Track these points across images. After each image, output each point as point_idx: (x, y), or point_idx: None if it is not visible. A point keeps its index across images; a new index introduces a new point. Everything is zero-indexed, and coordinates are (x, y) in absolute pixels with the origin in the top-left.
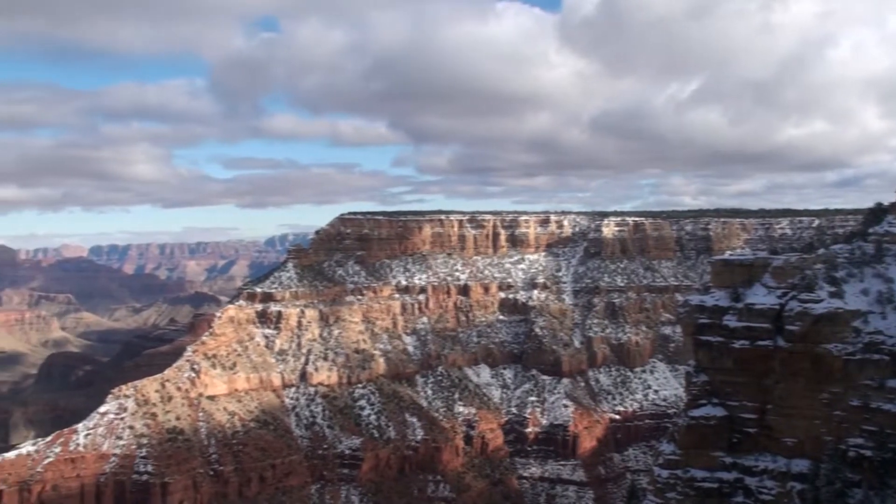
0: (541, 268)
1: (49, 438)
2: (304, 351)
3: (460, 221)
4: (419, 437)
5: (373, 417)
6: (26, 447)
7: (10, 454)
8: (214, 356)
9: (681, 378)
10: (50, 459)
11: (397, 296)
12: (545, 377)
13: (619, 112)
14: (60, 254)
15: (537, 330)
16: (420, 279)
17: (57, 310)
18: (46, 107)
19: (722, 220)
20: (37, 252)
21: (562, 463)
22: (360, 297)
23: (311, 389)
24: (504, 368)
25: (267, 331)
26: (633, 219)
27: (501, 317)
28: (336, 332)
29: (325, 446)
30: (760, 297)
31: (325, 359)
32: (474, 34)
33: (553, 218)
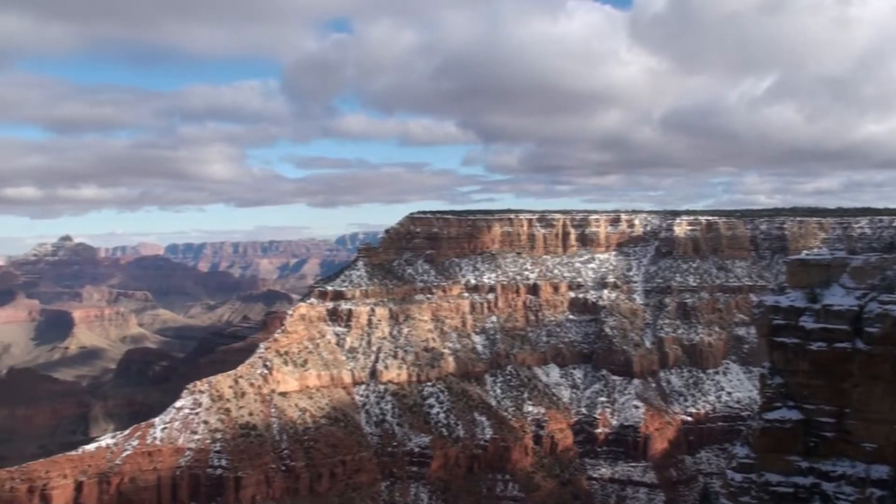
0: (611, 267)
1: (127, 432)
2: (374, 349)
3: (530, 220)
4: (488, 436)
5: (442, 416)
6: (105, 440)
7: (91, 446)
8: (286, 353)
9: (755, 380)
10: (128, 452)
11: (466, 294)
12: (615, 377)
13: (691, 109)
14: (138, 252)
15: (607, 330)
16: (489, 278)
17: (135, 306)
18: (125, 108)
19: (798, 219)
20: (116, 250)
21: (632, 464)
22: (429, 295)
23: (381, 387)
24: (574, 368)
25: (338, 328)
26: (705, 218)
27: (571, 316)
28: (406, 330)
29: (395, 444)
30: (838, 298)
31: (395, 357)
32: (545, 32)
33: (624, 217)
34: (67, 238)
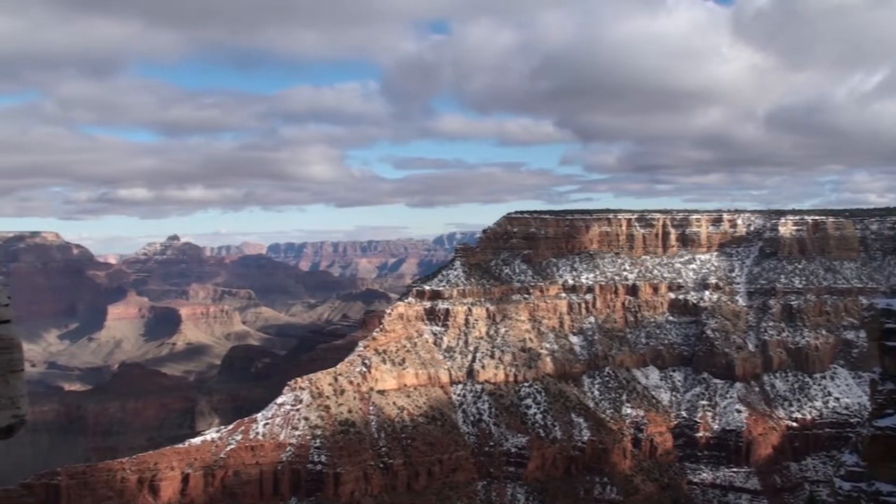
0: (713, 268)
1: (231, 426)
2: (471, 348)
3: (628, 220)
4: (586, 438)
5: (539, 416)
6: (210, 434)
7: (196, 440)
8: (384, 352)
9: (864, 385)
10: (231, 447)
11: (564, 295)
12: (717, 381)
13: (796, 106)
14: (242, 251)
15: (709, 332)
16: (587, 278)
17: (238, 304)
18: (229, 111)
19: None
20: (220, 249)
21: (734, 470)
22: (526, 295)
23: (478, 387)
24: (673, 371)
25: (435, 328)
26: (812, 217)
27: (671, 318)
28: (503, 330)
29: (492, 444)
30: None
31: (492, 356)
32: (644, 30)
33: (726, 216)
34: (175, 237)
